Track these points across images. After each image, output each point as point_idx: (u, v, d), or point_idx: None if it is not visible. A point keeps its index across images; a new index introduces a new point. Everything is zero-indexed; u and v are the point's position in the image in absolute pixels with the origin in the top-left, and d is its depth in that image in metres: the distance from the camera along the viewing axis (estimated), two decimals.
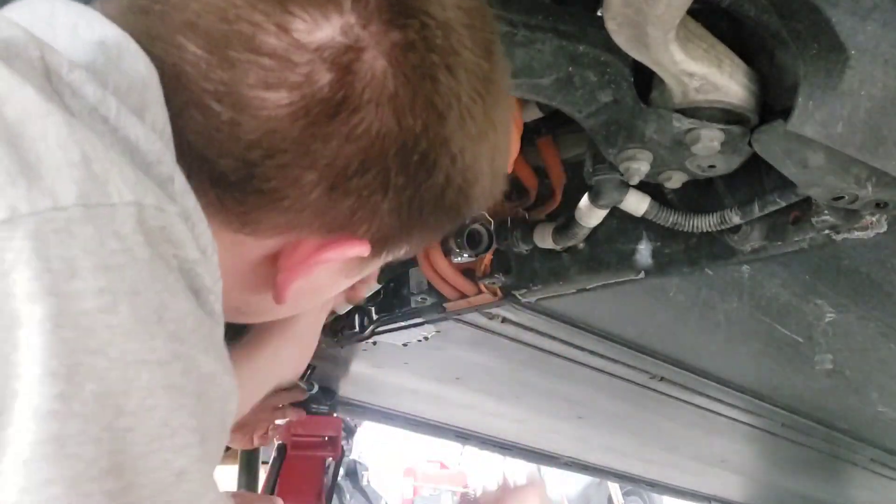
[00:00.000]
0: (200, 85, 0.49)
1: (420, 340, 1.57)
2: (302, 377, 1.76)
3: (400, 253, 0.62)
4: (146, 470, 0.40)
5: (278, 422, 2.04)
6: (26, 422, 0.37)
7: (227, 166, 0.51)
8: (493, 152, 0.59)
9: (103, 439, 0.38)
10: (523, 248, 1.17)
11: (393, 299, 1.43)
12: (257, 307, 0.64)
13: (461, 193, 0.58)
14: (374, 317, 1.50)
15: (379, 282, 1.37)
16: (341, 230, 0.56)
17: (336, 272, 0.62)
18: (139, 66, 0.49)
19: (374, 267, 0.64)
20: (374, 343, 1.60)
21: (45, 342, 0.37)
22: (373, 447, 9.40)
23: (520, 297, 1.24)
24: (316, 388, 1.93)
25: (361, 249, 0.57)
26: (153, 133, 0.47)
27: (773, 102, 0.80)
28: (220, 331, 0.49)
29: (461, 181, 0.57)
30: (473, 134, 0.56)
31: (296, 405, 1.99)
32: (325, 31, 0.50)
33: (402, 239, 0.60)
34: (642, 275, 1.09)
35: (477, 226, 1.17)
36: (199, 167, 0.51)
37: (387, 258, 0.62)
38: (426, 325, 1.46)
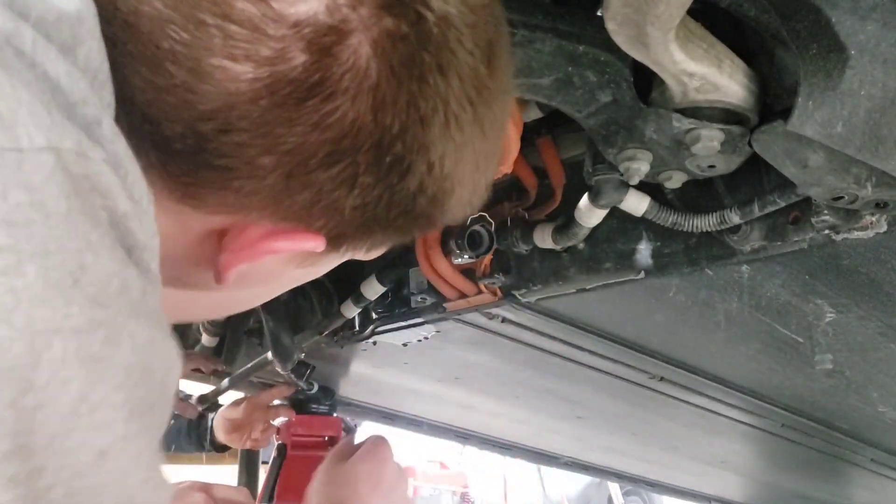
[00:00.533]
0: (156, 42, 0.45)
1: (420, 340, 1.57)
2: (301, 377, 1.76)
3: (360, 252, 0.58)
4: (61, 451, 0.36)
5: (275, 422, 2.04)
6: None
7: (172, 132, 0.46)
8: (477, 162, 0.55)
9: (5, 419, 0.34)
10: (523, 248, 1.17)
11: (393, 299, 1.43)
12: (198, 280, 0.58)
13: (434, 202, 0.54)
14: (374, 317, 1.50)
15: (384, 284, 1.37)
16: (296, 220, 0.51)
17: (286, 262, 0.58)
18: None
19: (332, 263, 0.60)
20: (374, 343, 1.60)
21: None
22: None
23: (520, 297, 1.24)
24: (316, 387, 1.93)
25: (315, 244, 0.53)
26: (77, 70, 0.42)
27: (773, 102, 0.80)
28: (157, 292, 0.44)
29: (435, 189, 0.53)
30: (458, 142, 0.51)
31: (289, 404, 1.99)
32: (309, 4, 0.45)
33: (363, 239, 0.55)
34: (642, 275, 1.09)
35: (478, 227, 1.17)
36: (139, 126, 0.46)
37: (345, 255, 0.58)
38: (426, 325, 1.46)
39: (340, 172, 0.48)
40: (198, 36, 0.44)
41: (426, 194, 0.52)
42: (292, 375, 1.71)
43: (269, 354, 1.61)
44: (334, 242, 0.54)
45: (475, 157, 0.54)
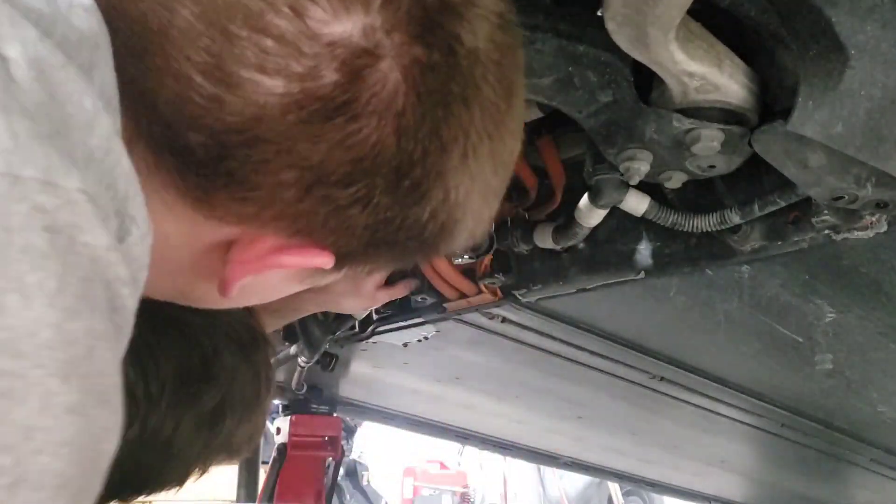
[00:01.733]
0: (185, 53, 0.45)
1: (420, 340, 1.57)
2: (326, 367, 1.77)
3: (362, 271, 0.58)
4: None
5: (275, 423, 2.04)
6: None
7: (195, 141, 0.46)
8: (486, 195, 0.56)
9: None
10: (523, 248, 1.17)
11: (394, 300, 1.43)
12: (202, 295, 0.59)
13: (443, 230, 0.55)
14: (375, 317, 1.50)
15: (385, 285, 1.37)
16: (307, 236, 0.52)
17: (290, 278, 0.58)
18: (92, 22, 0.44)
19: (331, 279, 0.60)
20: (374, 343, 1.60)
21: None
22: (373, 447, 9.41)
23: (520, 297, 1.24)
24: (305, 387, 1.94)
25: (324, 261, 0.54)
26: (94, 93, 0.41)
27: (773, 102, 0.80)
28: (121, 340, 0.41)
29: (446, 217, 0.54)
30: (473, 173, 0.53)
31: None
32: (344, 26, 0.45)
33: (369, 259, 0.56)
34: (642, 275, 1.09)
35: None
36: (160, 133, 0.47)
37: (345, 273, 0.58)
38: (426, 325, 1.46)
39: (357, 191, 0.49)
40: (230, 48, 0.45)
41: (437, 221, 0.53)
42: (318, 366, 1.71)
43: (292, 349, 1.62)
44: (342, 261, 0.55)
45: (485, 190, 0.55)
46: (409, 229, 0.53)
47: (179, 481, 0.89)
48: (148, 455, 0.83)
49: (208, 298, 0.59)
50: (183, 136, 0.46)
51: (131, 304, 0.42)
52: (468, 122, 0.50)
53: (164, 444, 0.83)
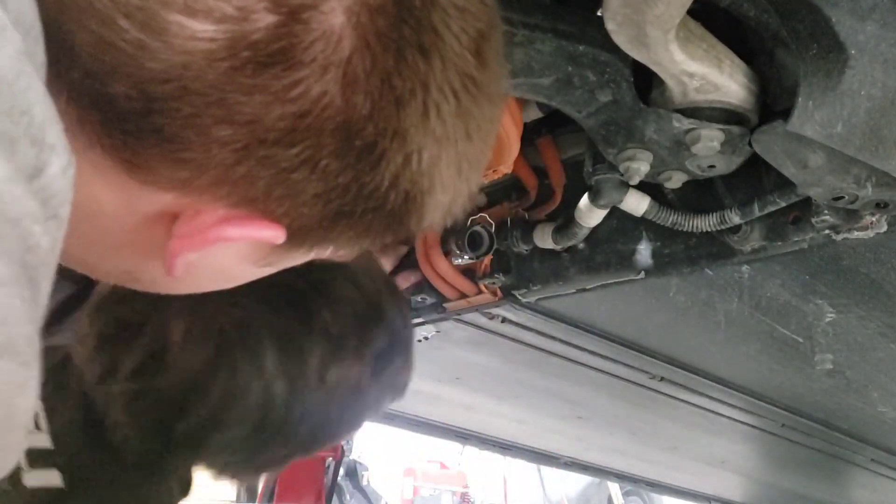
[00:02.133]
0: None
1: (420, 340, 1.57)
2: None
3: (325, 251, 0.53)
4: None
5: None
6: None
7: (118, 92, 0.42)
8: (460, 164, 0.50)
9: None
10: (523, 248, 1.17)
11: None
12: (152, 277, 0.53)
13: (409, 200, 0.49)
14: None
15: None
16: (252, 205, 0.46)
17: (242, 257, 0.52)
18: None
19: (294, 261, 0.55)
20: None
21: None
22: (373, 447, 9.41)
23: (520, 297, 1.24)
24: None
25: (273, 234, 0.48)
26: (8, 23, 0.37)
27: (773, 102, 0.80)
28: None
29: (410, 186, 0.48)
30: (438, 135, 0.47)
31: None
32: None
33: (328, 235, 0.50)
34: (642, 275, 1.09)
35: (478, 227, 1.17)
36: (80, 83, 0.42)
37: (308, 254, 0.53)
38: (426, 325, 1.46)
39: (301, 152, 0.44)
40: None
41: (399, 189, 0.48)
42: None
43: None
44: (296, 236, 0.49)
45: (458, 158, 0.50)
46: (368, 199, 0.47)
47: (357, 428, 0.90)
48: (335, 405, 0.82)
49: (159, 281, 0.54)
50: (104, 86, 0.42)
51: (47, 243, 0.37)
52: (427, 73, 0.44)
53: (351, 390, 0.83)
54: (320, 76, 0.42)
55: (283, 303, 0.79)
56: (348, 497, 7.82)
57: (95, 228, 0.48)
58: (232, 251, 0.51)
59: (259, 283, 0.59)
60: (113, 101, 0.42)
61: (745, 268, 1.08)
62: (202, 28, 0.40)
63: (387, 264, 1.23)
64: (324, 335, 0.80)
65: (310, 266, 0.57)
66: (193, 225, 0.48)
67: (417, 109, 0.45)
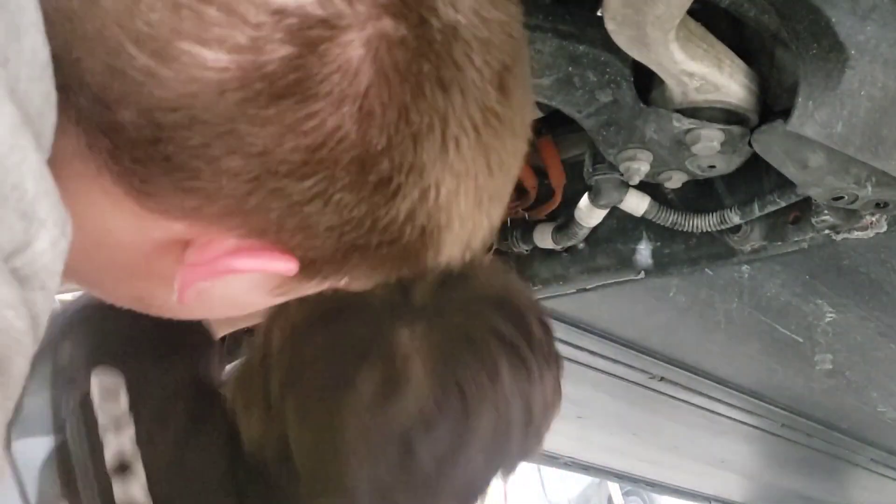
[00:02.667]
0: (120, 21, 0.40)
1: None
2: None
3: (340, 282, 0.52)
4: None
5: None
6: None
7: (126, 119, 0.41)
8: (480, 198, 0.49)
9: None
10: (523, 248, 1.17)
11: None
12: (162, 304, 0.53)
13: (425, 235, 0.48)
14: None
15: None
16: (264, 237, 0.46)
17: (254, 286, 0.52)
18: None
19: (307, 291, 0.53)
20: None
21: None
22: None
23: None
24: None
25: (286, 267, 0.47)
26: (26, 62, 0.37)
27: (773, 102, 0.80)
28: None
29: (427, 220, 0.47)
30: (457, 170, 0.46)
31: None
32: None
33: (342, 267, 0.49)
34: (642, 275, 1.09)
35: None
36: (89, 109, 0.42)
37: (322, 284, 0.52)
38: None
39: (315, 185, 0.43)
40: (168, 17, 0.39)
41: (416, 224, 0.47)
42: None
43: None
44: (309, 268, 0.48)
45: (477, 192, 0.49)
46: (383, 233, 0.46)
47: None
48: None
49: (170, 307, 0.53)
50: (113, 113, 0.41)
51: (22, 324, 0.37)
52: (446, 109, 0.43)
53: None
54: (335, 109, 0.41)
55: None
56: None
57: (107, 255, 0.48)
58: (245, 280, 0.51)
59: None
60: (121, 128, 0.41)
61: (745, 268, 1.08)
62: (214, 57, 0.39)
63: None
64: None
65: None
66: (204, 254, 0.47)
67: (436, 144, 0.44)
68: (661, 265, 1.07)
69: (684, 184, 0.92)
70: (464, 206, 0.48)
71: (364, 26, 0.40)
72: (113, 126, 0.41)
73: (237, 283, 0.50)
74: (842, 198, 0.81)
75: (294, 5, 0.39)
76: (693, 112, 0.79)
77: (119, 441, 0.74)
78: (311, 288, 0.52)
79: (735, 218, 0.93)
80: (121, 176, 0.43)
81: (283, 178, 0.42)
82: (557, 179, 1.11)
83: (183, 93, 0.40)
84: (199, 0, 0.39)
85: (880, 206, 0.82)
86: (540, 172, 1.14)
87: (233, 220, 0.45)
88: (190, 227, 0.46)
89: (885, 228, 0.87)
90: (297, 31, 0.39)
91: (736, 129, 0.80)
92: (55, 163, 0.42)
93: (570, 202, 1.06)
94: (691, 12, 0.66)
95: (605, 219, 1.05)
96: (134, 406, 0.75)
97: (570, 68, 0.79)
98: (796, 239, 0.94)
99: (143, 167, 0.43)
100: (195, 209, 0.44)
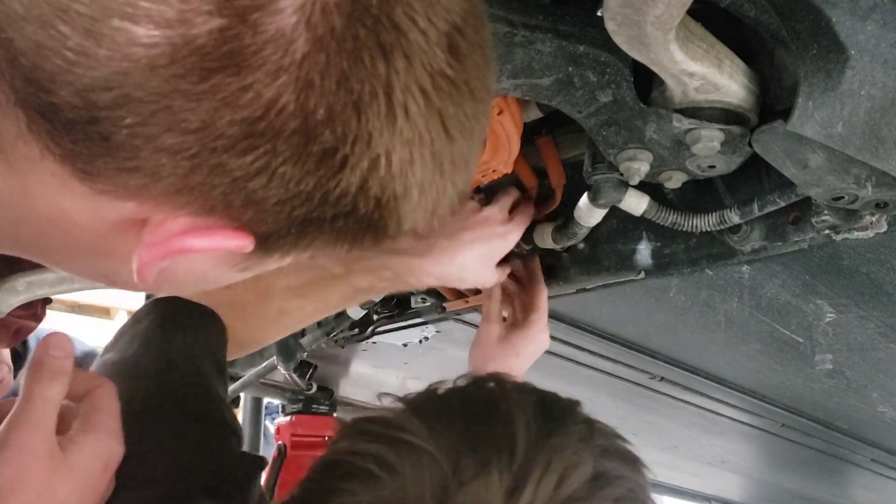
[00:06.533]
0: None
1: (421, 341, 1.57)
2: (303, 377, 1.76)
3: (304, 255, 0.51)
4: None
5: (275, 421, 2.04)
6: None
7: (61, 100, 0.40)
8: (441, 164, 0.48)
9: None
10: (523, 248, 1.17)
11: (395, 300, 1.43)
12: (126, 278, 0.52)
13: (381, 206, 0.47)
14: (375, 318, 1.50)
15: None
16: (213, 214, 0.45)
17: (217, 262, 0.51)
18: None
19: (271, 265, 0.53)
20: (374, 343, 1.60)
21: None
22: None
23: None
24: (315, 387, 1.93)
25: (240, 244, 0.47)
26: None
27: (773, 102, 0.80)
28: None
29: (380, 191, 0.46)
30: (408, 137, 0.45)
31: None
32: None
33: (299, 241, 0.49)
34: (642, 275, 1.09)
35: None
36: (24, 90, 0.41)
37: (285, 258, 0.52)
38: (426, 326, 1.46)
39: (256, 160, 0.42)
40: None
41: (370, 196, 0.46)
42: (294, 375, 1.70)
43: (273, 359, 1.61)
44: (266, 244, 0.48)
45: (437, 158, 0.48)
46: (336, 205, 0.46)
47: None
48: None
49: (134, 283, 0.53)
50: (48, 94, 0.40)
51: None
52: (388, 75, 0.42)
53: None
54: (272, 81, 0.40)
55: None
56: None
57: (65, 235, 0.48)
58: (206, 258, 0.50)
59: None
60: (57, 109, 0.41)
61: (745, 268, 1.08)
62: (145, 33, 0.39)
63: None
64: None
65: None
66: (158, 234, 0.47)
67: (381, 112, 0.43)
68: (661, 265, 1.07)
69: (684, 184, 0.92)
70: (420, 173, 0.47)
71: None
72: (49, 107, 0.41)
73: (199, 261, 0.50)
74: (842, 198, 0.81)
75: None
76: (693, 112, 0.79)
77: None
78: (275, 262, 0.52)
79: (735, 218, 0.93)
80: (63, 158, 0.43)
81: (222, 153, 0.42)
82: (557, 179, 1.11)
83: (115, 70, 0.39)
84: None
85: (880, 206, 0.82)
86: (540, 172, 1.14)
87: (180, 199, 0.44)
88: (140, 207, 0.46)
89: (885, 228, 0.87)
90: (225, 1, 0.38)
91: (736, 129, 0.80)
92: (1, 146, 0.42)
93: (570, 202, 1.06)
94: (691, 12, 0.66)
95: (605, 219, 1.05)
96: None
97: (570, 68, 0.79)
98: (796, 239, 0.94)
99: (84, 148, 0.42)
100: (140, 188, 0.44)
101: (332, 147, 0.43)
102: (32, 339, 2.78)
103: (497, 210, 1.09)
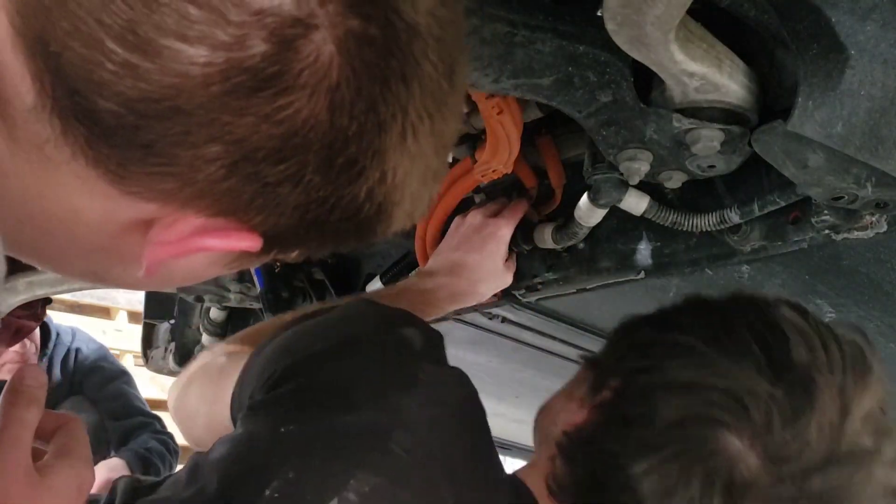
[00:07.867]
0: (97, 17, 0.41)
1: None
2: None
3: (290, 255, 0.56)
4: None
5: None
6: None
7: (105, 108, 0.43)
8: (426, 176, 0.54)
9: None
10: (523, 248, 1.17)
11: None
12: (117, 276, 0.56)
13: (381, 211, 0.53)
14: None
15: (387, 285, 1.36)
16: (232, 215, 0.49)
17: (216, 260, 0.55)
18: None
19: (260, 263, 0.58)
20: None
21: None
22: None
23: (520, 297, 1.24)
24: None
25: (251, 244, 0.51)
26: None
27: (773, 102, 0.80)
28: None
29: (383, 199, 0.52)
30: (412, 153, 0.51)
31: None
32: None
33: (300, 241, 0.54)
34: (642, 275, 1.09)
35: None
36: (64, 98, 0.43)
37: (272, 257, 0.56)
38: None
39: (287, 168, 0.47)
40: (148, 14, 0.41)
41: (374, 202, 0.52)
42: None
43: None
44: (270, 243, 0.52)
45: (425, 171, 0.54)
46: (344, 210, 0.51)
47: None
48: None
49: (124, 279, 0.56)
50: (91, 103, 0.43)
51: None
52: (407, 100, 0.48)
53: None
54: (308, 100, 0.45)
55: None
56: None
57: (70, 233, 0.50)
58: (208, 256, 0.54)
59: None
60: (99, 117, 0.44)
61: (745, 268, 1.08)
62: (197, 53, 0.42)
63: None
64: None
65: None
66: (172, 233, 0.50)
67: (397, 131, 0.49)
68: (661, 265, 1.07)
69: (684, 184, 0.92)
70: (415, 184, 0.54)
71: (335, 25, 0.44)
72: (91, 115, 0.44)
73: (201, 258, 0.54)
74: (842, 198, 0.81)
75: (273, 5, 0.43)
76: (693, 112, 0.79)
77: None
78: (263, 260, 0.57)
79: (735, 218, 0.93)
80: (96, 161, 0.46)
81: (259, 163, 0.46)
82: (557, 179, 1.11)
83: (166, 85, 0.43)
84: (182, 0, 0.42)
85: (880, 206, 0.82)
86: (540, 172, 1.14)
87: (203, 202, 0.48)
88: (161, 209, 0.49)
89: (884, 228, 0.87)
90: (275, 29, 0.43)
91: (736, 129, 0.80)
92: (20, 151, 0.45)
93: (570, 202, 1.06)
94: (691, 12, 0.66)
95: (605, 219, 1.05)
96: None
97: (570, 68, 0.79)
98: (796, 239, 0.94)
99: (121, 152, 0.45)
100: (170, 192, 0.47)
101: (354, 159, 0.48)
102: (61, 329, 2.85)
103: (479, 213, 1.16)
